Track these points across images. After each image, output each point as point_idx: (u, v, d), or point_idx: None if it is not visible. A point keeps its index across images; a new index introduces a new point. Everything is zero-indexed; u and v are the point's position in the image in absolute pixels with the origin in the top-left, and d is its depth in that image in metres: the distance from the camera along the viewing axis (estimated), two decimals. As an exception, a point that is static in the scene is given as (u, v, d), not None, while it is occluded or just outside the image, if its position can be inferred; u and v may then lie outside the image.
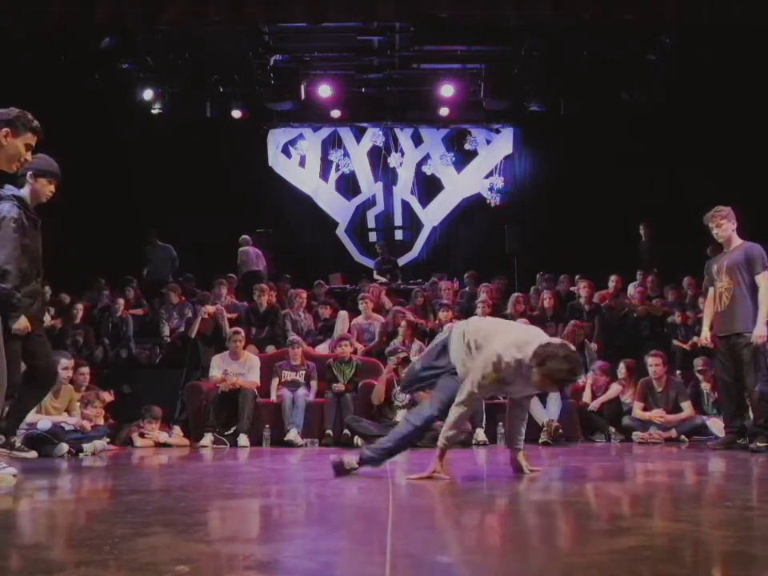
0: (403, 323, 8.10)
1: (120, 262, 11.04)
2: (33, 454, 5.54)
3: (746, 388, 5.73)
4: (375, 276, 11.97)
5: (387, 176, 13.28)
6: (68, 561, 2.06)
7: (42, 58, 9.77)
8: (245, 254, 11.33)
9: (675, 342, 8.30)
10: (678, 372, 7.69)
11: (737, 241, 5.86)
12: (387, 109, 12.68)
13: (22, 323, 4.13)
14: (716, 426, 6.65)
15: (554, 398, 7.19)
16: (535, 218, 12.15)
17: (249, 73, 11.34)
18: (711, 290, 6.01)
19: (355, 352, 8.08)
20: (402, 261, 12.82)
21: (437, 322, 8.57)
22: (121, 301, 9.27)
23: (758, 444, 5.72)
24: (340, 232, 13.23)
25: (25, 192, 4.26)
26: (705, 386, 7.19)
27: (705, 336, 6.02)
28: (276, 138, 13.14)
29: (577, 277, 9.63)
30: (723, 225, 5.81)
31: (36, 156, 4.09)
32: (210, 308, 8.44)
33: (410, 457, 5.84)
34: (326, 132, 13.26)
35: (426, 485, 4.07)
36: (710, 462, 5.14)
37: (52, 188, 4.37)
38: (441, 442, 3.92)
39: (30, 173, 4.23)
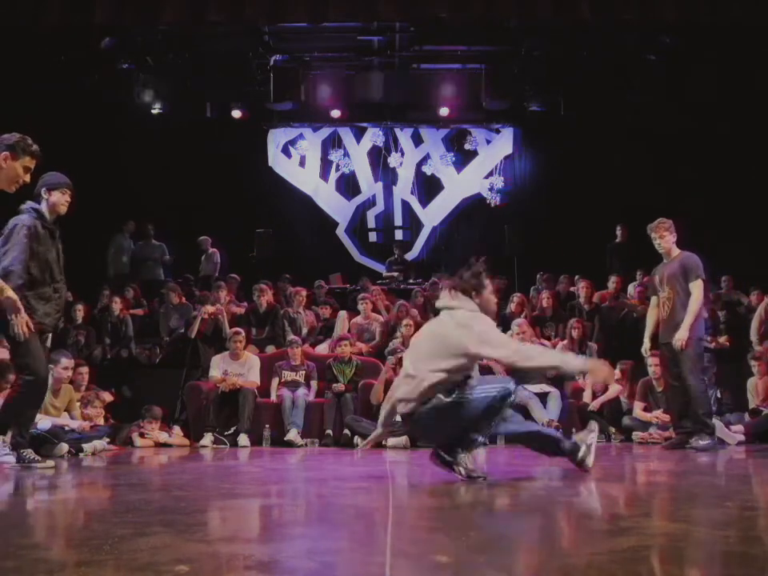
0: (407, 321, 8.04)
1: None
2: (50, 463, 4.75)
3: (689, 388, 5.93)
4: (386, 275, 11.87)
5: (387, 176, 13.26)
6: (68, 561, 2.06)
7: (42, 58, 9.76)
8: (215, 255, 11.43)
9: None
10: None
11: (675, 251, 6.09)
12: (387, 109, 12.68)
13: (21, 324, 4.12)
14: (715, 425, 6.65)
15: (554, 398, 7.21)
16: (535, 218, 12.13)
17: (249, 73, 11.34)
18: (654, 299, 6.27)
19: (361, 354, 8.08)
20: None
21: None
22: (118, 300, 9.24)
23: (700, 441, 5.86)
24: (340, 232, 13.22)
25: (42, 206, 4.54)
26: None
27: (645, 348, 6.34)
28: (276, 137, 13.12)
29: (577, 277, 9.63)
30: (666, 237, 6.05)
31: (46, 174, 4.54)
32: (210, 308, 8.44)
33: (410, 457, 5.85)
34: (326, 132, 13.24)
35: (425, 485, 4.07)
36: (709, 462, 5.14)
37: (67, 197, 4.63)
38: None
39: (43, 189, 4.53)
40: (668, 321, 6.02)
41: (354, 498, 3.44)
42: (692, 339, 5.84)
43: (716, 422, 6.68)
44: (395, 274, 11.69)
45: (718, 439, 6.17)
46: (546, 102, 11.74)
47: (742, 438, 6.60)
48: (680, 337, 5.82)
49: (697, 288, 5.88)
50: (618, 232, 11.03)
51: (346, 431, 7.09)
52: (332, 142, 13.20)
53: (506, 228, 11.72)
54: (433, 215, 13.24)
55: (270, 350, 8.46)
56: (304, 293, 9.20)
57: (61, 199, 4.59)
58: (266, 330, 8.68)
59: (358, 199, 13.31)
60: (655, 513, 3.01)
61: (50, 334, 4.70)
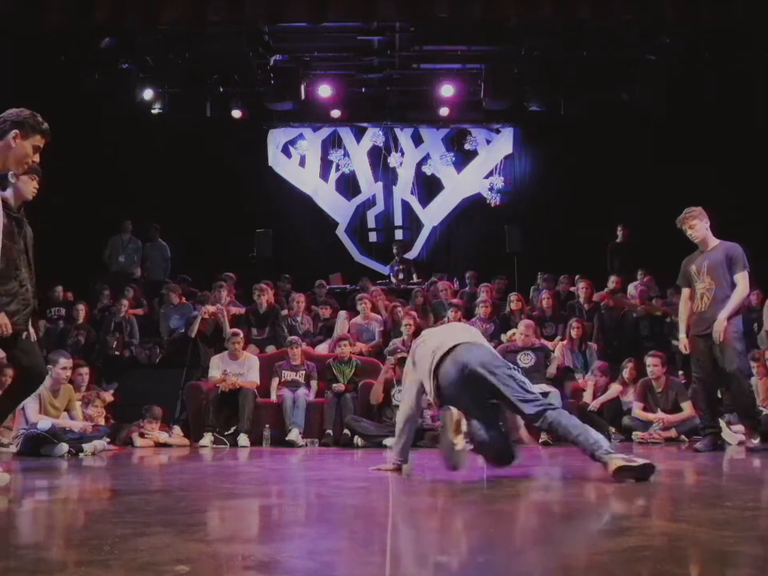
0: (407, 321, 8.01)
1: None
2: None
3: (726, 381, 5.73)
4: (392, 277, 11.80)
5: (387, 176, 13.26)
6: (68, 561, 2.06)
7: (42, 58, 9.76)
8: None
9: (675, 342, 8.28)
10: (680, 372, 7.68)
11: (713, 240, 5.81)
12: (387, 109, 12.67)
13: None
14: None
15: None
16: (535, 217, 12.14)
17: (249, 73, 11.33)
18: (686, 290, 5.95)
19: (360, 354, 8.07)
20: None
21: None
22: (125, 301, 9.26)
23: (753, 441, 5.83)
24: (340, 232, 13.22)
25: (7, 193, 4.16)
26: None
27: (683, 341, 5.90)
28: (276, 137, 13.13)
29: (577, 277, 9.63)
30: (696, 225, 5.76)
31: None
32: (210, 308, 8.44)
33: (410, 457, 5.84)
34: (326, 132, 13.24)
35: (425, 485, 4.08)
36: (709, 462, 5.13)
37: (35, 184, 4.25)
38: None
39: (10, 173, 4.11)
40: (707, 313, 5.69)
41: (354, 498, 3.44)
42: (734, 332, 5.55)
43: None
44: (401, 276, 11.62)
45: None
46: (546, 102, 11.74)
47: (742, 437, 6.59)
48: (718, 329, 5.52)
49: (743, 279, 5.61)
50: (618, 232, 11.04)
51: (346, 431, 7.09)
52: (332, 142, 13.20)
53: (506, 228, 11.72)
54: (433, 215, 13.24)
55: (270, 350, 8.45)
56: (303, 298, 9.19)
57: (28, 185, 4.20)
58: (266, 330, 8.68)
59: (358, 199, 13.30)
60: (655, 513, 3.01)
61: (25, 333, 4.16)
